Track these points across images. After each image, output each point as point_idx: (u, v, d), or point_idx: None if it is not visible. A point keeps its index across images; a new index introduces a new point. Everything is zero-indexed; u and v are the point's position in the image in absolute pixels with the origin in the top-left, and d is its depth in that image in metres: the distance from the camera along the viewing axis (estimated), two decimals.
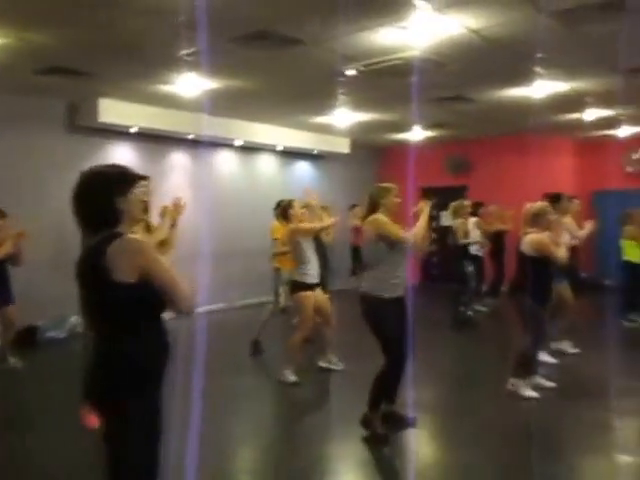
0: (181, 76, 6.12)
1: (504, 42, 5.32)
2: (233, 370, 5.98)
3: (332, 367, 5.75)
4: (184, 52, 5.14)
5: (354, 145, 11.66)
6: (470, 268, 7.93)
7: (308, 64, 5.81)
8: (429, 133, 10.94)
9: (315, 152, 11.15)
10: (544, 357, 6.06)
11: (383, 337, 4.02)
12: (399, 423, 4.21)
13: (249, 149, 10.06)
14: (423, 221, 4.17)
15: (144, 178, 4.46)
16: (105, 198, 2.13)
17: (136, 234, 2.31)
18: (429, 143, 12.03)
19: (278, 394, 5.35)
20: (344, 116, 8.79)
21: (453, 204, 8.15)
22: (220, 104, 7.71)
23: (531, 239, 4.84)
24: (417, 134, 10.79)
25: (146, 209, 4.55)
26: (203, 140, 9.03)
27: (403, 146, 12.37)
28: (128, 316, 2.09)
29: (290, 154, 10.90)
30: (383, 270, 4.01)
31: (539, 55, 5.75)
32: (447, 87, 7.17)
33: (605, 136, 11.34)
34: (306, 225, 5.37)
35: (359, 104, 8.09)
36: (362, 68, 5.93)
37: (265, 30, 4.84)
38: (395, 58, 5.58)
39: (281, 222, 6.17)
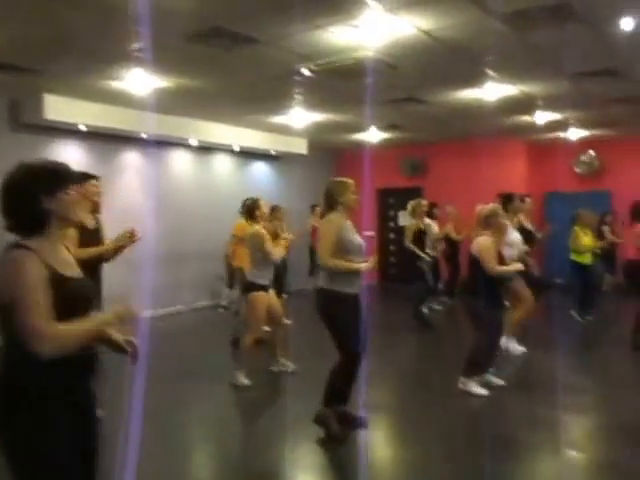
0: (131, 72, 6.00)
1: (455, 44, 5.38)
2: (183, 374, 5.88)
3: (283, 370, 5.67)
4: (133, 47, 5.01)
5: (311, 146, 11.65)
6: (426, 268, 7.98)
7: (262, 63, 5.76)
8: (385, 135, 11.01)
9: (272, 153, 11.09)
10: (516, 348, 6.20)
11: (338, 332, 3.98)
12: (351, 424, 4.18)
13: (205, 149, 9.93)
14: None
15: (93, 177, 4.36)
16: (28, 195, 1.93)
17: (64, 243, 2.10)
18: (385, 145, 12.12)
19: (230, 398, 5.26)
20: (300, 116, 8.78)
21: (411, 203, 8.19)
22: (173, 102, 7.58)
23: (477, 242, 4.89)
24: (373, 135, 10.85)
25: (96, 209, 4.44)
26: (156, 139, 8.86)
27: (360, 147, 12.42)
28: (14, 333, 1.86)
29: (247, 154, 10.81)
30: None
31: (489, 58, 5.86)
32: (400, 89, 7.22)
33: (556, 139, 11.64)
34: (265, 247, 5.26)
35: (315, 104, 8.08)
36: (316, 68, 5.91)
37: (218, 27, 4.77)
38: (348, 58, 5.58)
39: (247, 221, 6.04)
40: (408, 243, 7.89)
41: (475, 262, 4.86)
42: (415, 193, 12.17)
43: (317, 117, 9.05)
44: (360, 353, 3.98)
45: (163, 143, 9.14)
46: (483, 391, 4.94)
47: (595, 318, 8.14)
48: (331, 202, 4.07)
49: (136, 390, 3.85)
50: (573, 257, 8.23)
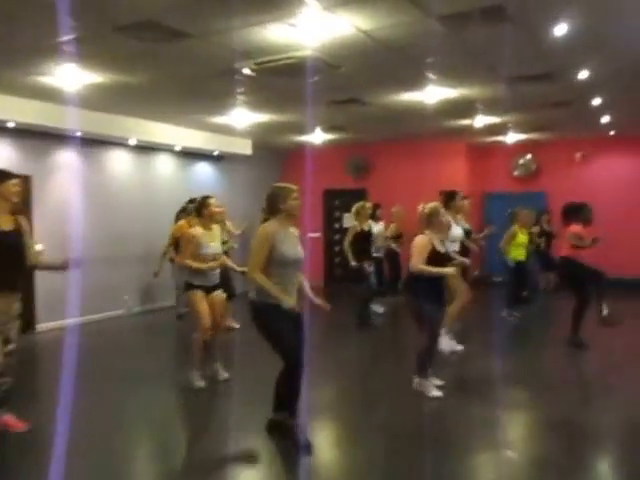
0: (60, 67, 5.76)
1: (395, 45, 5.40)
2: (119, 379, 5.70)
3: (215, 377, 5.48)
4: (60, 40, 4.80)
5: (256, 147, 11.55)
6: (370, 269, 8.01)
7: (198, 59, 5.62)
8: (330, 136, 11.02)
9: (216, 153, 10.92)
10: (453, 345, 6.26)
11: (272, 343, 3.89)
12: (289, 434, 4.02)
13: (145, 149, 9.67)
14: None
15: (14, 177, 4.11)
16: None
17: None
18: (330, 146, 12.14)
19: (179, 402, 5.13)
20: (242, 116, 8.68)
21: (355, 205, 8.23)
22: (109, 100, 7.35)
23: (414, 240, 4.92)
24: (318, 136, 10.84)
25: (17, 210, 4.20)
26: (93, 138, 8.57)
27: (305, 148, 12.39)
28: None
29: (189, 155, 10.61)
30: (270, 278, 3.86)
31: (429, 60, 5.91)
32: (342, 89, 7.22)
33: (495, 142, 11.94)
34: (195, 264, 5.13)
35: (257, 104, 7.99)
36: (255, 66, 5.83)
37: (151, 20, 4.61)
38: (287, 57, 5.53)
39: (194, 220, 5.88)
40: (346, 245, 7.91)
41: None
42: (360, 194, 12.25)
43: (260, 118, 8.96)
44: (298, 363, 3.87)
45: (100, 142, 8.85)
46: (437, 393, 4.92)
47: (530, 316, 8.35)
48: (272, 208, 3.94)
49: (70, 394, 3.72)
50: (507, 254, 8.41)
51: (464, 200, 7.17)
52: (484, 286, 10.95)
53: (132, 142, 9.09)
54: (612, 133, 11.12)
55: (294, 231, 4.08)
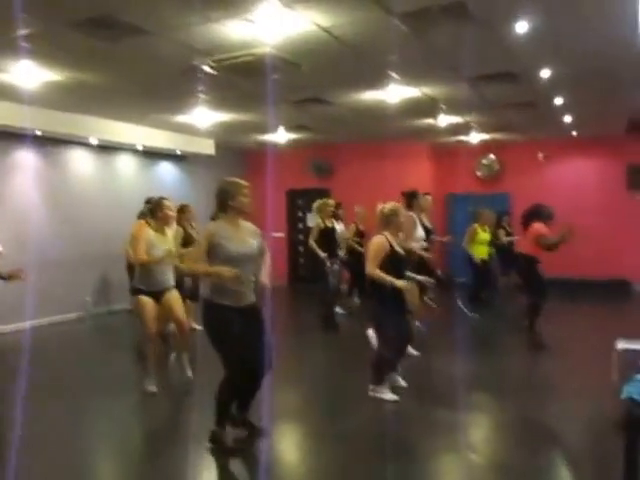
0: (16, 64, 5.57)
1: (356, 43, 5.37)
2: (79, 385, 5.54)
3: (187, 373, 5.35)
4: (16, 35, 4.64)
5: (219, 146, 11.42)
6: (335, 267, 7.93)
7: (156, 57, 5.50)
8: (294, 135, 10.94)
9: (178, 153, 10.75)
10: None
11: (219, 348, 3.73)
12: (251, 432, 4.00)
13: (107, 148, 9.44)
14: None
15: None
16: None
17: None
18: (294, 146, 12.07)
19: (129, 410, 4.95)
20: (204, 115, 8.54)
21: (317, 202, 8.15)
22: (68, 98, 7.16)
23: (371, 242, 4.83)
24: (282, 136, 10.75)
25: None
26: (52, 137, 8.34)
27: (269, 148, 12.30)
28: None
29: (152, 154, 10.42)
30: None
31: (391, 59, 5.89)
32: (304, 88, 7.16)
33: (459, 142, 12.00)
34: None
35: (218, 103, 7.88)
36: (214, 64, 5.73)
37: (106, 16, 4.49)
38: (246, 54, 5.44)
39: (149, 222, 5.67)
40: (311, 242, 7.83)
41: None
42: (323, 194, 12.21)
43: (223, 117, 8.85)
44: (242, 369, 3.74)
45: (61, 141, 8.62)
46: (393, 396, 4.83)
47: (490, 317, 8.38)
48: (221, 205, 3.82)
49: (19, 403, 3.56)
50: (469, 252, 8.47)
51: (426, 197, 7.18)
52: (447, 287, 10.96)
53: (93, 141, 8.89)
54: (574, 134, 11.30)
55: (248, 227, 3.94)
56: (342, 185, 12.33)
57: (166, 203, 5.08)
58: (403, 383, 5.07)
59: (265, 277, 3.98)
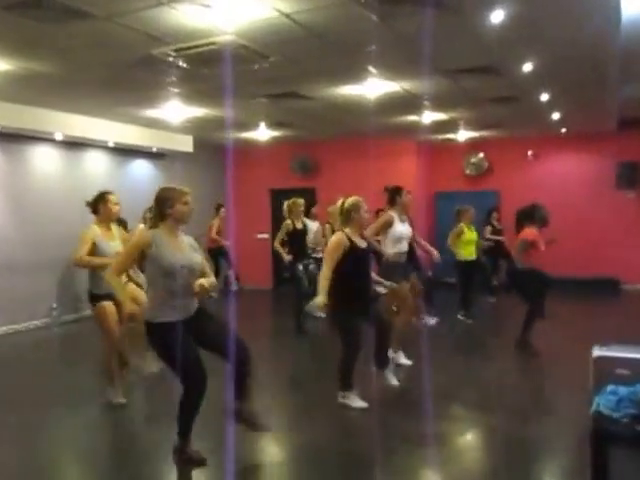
0: None
1: (321, 32, 5.02)
2: (42, 396, 5.23)
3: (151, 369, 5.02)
4: None
5: (199, 144, 11.05)
6: (311, 267, 7.59)
7: (106, 43, 5.11)
8: (275, 133, 10.62)
9: (154, 150, 10.37)
10: (401, 359, 5.84)
11: (172, 367, 3.43)
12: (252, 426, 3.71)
13: (73, 144, 9.01)
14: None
15: None
16: None
17: None
18: (276, 144, 11.75)
19: (91, 423, 4.59)
20: (176, 110, 8.20)
21: (287, 202, 7.81)
22: (23, 90, 6.76)
23: (330, 241, 4.54)
24: (263, 133, 10.42)
25: None
26: (11, 132, 7.93)
27: (251, 146, 11.97)
28: None
29: (125, 151, 10.02)
30: (158, 291, 3.46)
31: (361, 50, 5.56)
32: (277, 82, 6.80)
33: (446, 140, 11.71)
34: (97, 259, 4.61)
35: (190, 97, 7.52)
36: (174, 53, 5.37)
37: None
38: (208, 43, 5.09)
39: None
40: (276, 244, 7.50)
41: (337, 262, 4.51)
42: (307, 193, 11.90)
43: (197, 112, 8.49)
44: (192, 385, 3.46)
45: (21, 137, 8.20)
46: (362, 403, 4.58)
47: (483, 318, 8.09)
48: (160, 213, 3.54)
49: None
50: (457, 253, 8.16)
51: (409, 195, 6.81)
52: (436, 288, 10.66)
53: (58, 137, 8.48)
54: (563, 131, 11.00)
55: (187, 239, 3.68)
56: (327, 183, 12.01)
57: (110, 197, 4.76)
58: (360, 403, 4.64)
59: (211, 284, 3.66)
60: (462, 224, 8.11)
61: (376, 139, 11.22)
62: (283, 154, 12.25)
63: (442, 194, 12.47)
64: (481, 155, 12.25)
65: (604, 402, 2.78)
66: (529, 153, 11.86)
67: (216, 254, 11.12)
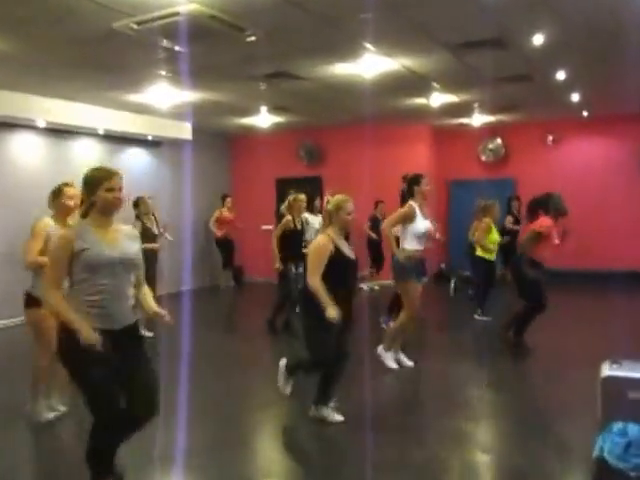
0: None
1: (302, 1, 4.44)
2: None
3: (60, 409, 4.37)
4: None
5: (198, 131, 10.57)
6: (299, 269, 7.06)
7: (66, 18, 4.62)
8: (277, 118, 10.05)
9: (150, 138, 9.89)
10: (391, 363, 5.34)
11: (82, 387, 2.86)
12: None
13: (58, 132, 8.52)
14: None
15: None
16: None
17: None
18: (281, 130, 11.21)
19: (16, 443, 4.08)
20: (164, 94, 7.67)
21: (288, 198, 7.32)
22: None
23: (312, 243, 4.03)
24: (265, 119, 9.86)
25: None
26: None
27: (254, 133, 11.42)
28: None
29: (118, 139, 9.56)
30: (82, 295, 2.87)
31: (351, 20, 4.97)
32: (265, 60, 6.21)
33: (461, 125, 11.03)
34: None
35: (176, 80, 7.00)
36: (137, 27, 4.84)
37: None
38: (170, 14, 4.55)
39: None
40: (274, 244, 6.97)
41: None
42: (314, 182, 11.35)
43: (189, 96, 7.97)
44: (114, 413, 2.87)
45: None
46: (338, 417, 4.08)
47: (494, 316, 7.47)
48: (86, 200, 2.97)
49: None
50: (479, 252, 7.56)
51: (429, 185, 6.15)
52: (448, 281, 10.07)
53: (40, 124, 8.01)
54: (585, 114, 10.22)
55: (124, 228, 3.10)
56: (334, 172, 11.43)
57: (67, 190, 4.23)
58: (338, 417, 4.10)
59: (152, 303, 3.12)
60: (488, 220, 7.47)
61: (386, 124, 10.60)
62: (289, 142, 11.70)
63: (457, 182, 11.80)
64: (499, 141, 11.52)
65: (609, 446, 2.21)
66: (549, 138, 11.10)
67: (224, 245, 10.75)
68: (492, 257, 7.62)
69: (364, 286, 10.11)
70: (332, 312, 3.68)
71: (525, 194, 9.39)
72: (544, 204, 5.93)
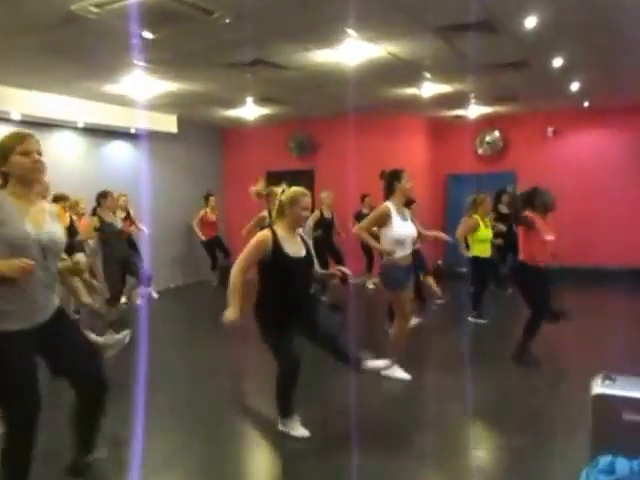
0: None
1: None
2: None
3: None
4: None
5: (184, 124, 10.22)
6: None
7: (23, 0, 4.26)
8: (265, 110, 9.70)
9: (132, 131, 9.54)
10: (397, 373, 4.91)
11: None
12: None
13: (34, 125, 8.12)
14: None
15: None
16: None
17: None
18: (271, 123, 10.86)
19: None
20: (142, 84, 7.33)
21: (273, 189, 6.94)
22: None
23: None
24: (252, 111, 9.51)
25: None
26: None
27: (242, 126, 11.06)
28: None
29: (99, 132, 9.20)
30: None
31: (327, 3, 4.60)
32: (240, 47, 5.84)
33: (456, 116, 10.63)
34: None
35: (151, 69, 6.66)
36: (96, 9, 4.49)
37: None
38: None
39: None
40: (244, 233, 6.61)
41: (261, 268, 3.64)
42: (306, 175, 10.99)
43: (168, 87, 7.63)
44: (16, 421, 2.56)
45: None
46: (305, 432, 3.74)
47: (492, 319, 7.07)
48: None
49: None
50: (473, 250, 7.13)
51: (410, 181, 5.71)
52: (445, 279, 9.65)
53: (15, 116, 7.68)
54: (586, 104, 9.81)
55: (45, 206, 2.77)
56: (326, 165, 11.07)
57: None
58: (303, 433, 3.75)
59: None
60: (477, 216, 7.01)
61: (379, 116, 10.21)
62: (279, 134, 11.33)
63: (454, 177, 11.41)
64: (496, 133, 11.11)
65: None
66: (549, 130, 10.69)
67: (211, 245, 10.36)
68: (485, 254, 7.19)
69: (370, 284, 9.78)
70: (228, 314, 3.40)
71: (525, 188, 8.99)
72: (528, 199, 5.48)
